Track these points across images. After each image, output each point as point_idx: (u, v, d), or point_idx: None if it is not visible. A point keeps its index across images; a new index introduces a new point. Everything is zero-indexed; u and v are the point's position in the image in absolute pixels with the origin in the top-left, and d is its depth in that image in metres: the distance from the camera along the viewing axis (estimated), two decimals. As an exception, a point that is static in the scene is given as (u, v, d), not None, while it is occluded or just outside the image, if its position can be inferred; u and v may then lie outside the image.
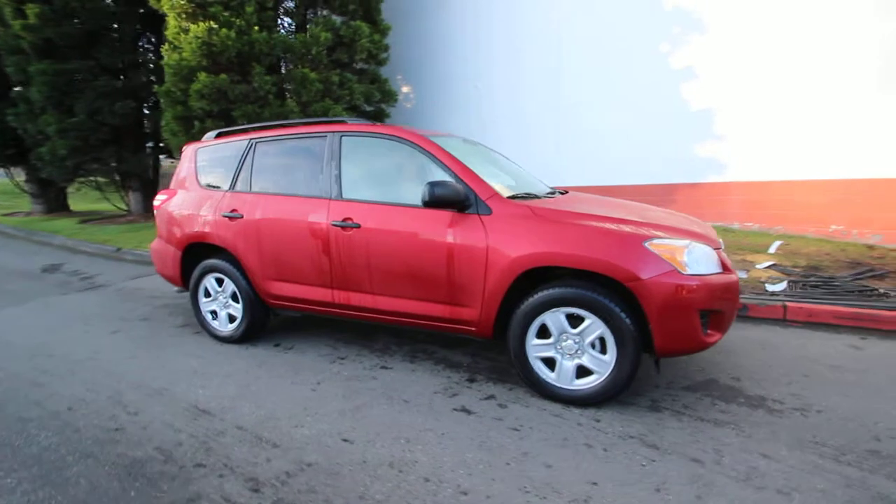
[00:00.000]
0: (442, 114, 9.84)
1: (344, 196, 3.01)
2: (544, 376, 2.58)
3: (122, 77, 9.42)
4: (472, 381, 2.89)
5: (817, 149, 5.83)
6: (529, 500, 1.84)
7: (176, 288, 4.04)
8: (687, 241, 2.36)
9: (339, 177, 3.04)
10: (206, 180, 3.61)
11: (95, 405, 2.69)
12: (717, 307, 2.34)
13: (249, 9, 6.86)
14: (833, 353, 3.16)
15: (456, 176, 2.72)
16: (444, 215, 2.70)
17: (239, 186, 3.42)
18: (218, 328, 3.62)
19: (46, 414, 2.60)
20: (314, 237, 3.04)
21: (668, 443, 2.20)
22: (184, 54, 6.74)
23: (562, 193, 3.31)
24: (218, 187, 3.52)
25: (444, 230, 2.68)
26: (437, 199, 2.57)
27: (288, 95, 7.80)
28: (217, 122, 7.13)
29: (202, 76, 6.56)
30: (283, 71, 8.15)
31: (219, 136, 3.76)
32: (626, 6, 7.17)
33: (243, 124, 6.97)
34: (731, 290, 2.41)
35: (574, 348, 2.49)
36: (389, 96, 8.79)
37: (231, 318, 3.57)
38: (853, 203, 5.67)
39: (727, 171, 6.64)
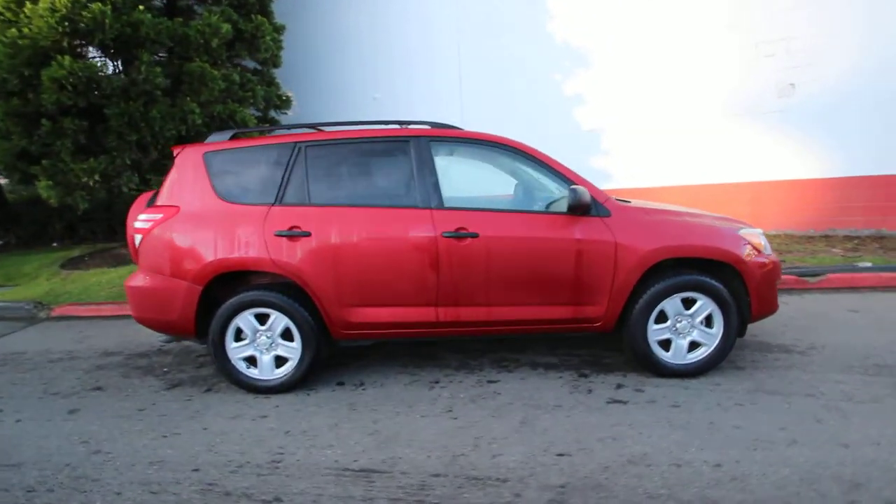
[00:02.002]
0: (335, 124, 9.37)
1: (446, 205, 2.80)
2: (661, 356, 2.90)
3: None
4: (584, 376, 3.02)
5: (679, 162, 7.62)
6: (764, 454, 2.12)
7: (163, 338, 3.05)
8: (759, 229, 3.00)
9: (437, 185, 2.82)
10: (230, 192, 2.84)
11: (198, 506, 1.92)
12: (779, 279, 3.03)
13: (124, -18, 5.46)
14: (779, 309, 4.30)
15: (572, 182, 2.84)
16: (566, 219, 2.79)
17: (290, 199, 2.82)
18: (258, 377, 2.89)
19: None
20: (418, 251, 2.74)
21: (779, 388, 2.75)
22: (27, 30, 4.96)
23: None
24: (253, 201, 2.83)
25: (569, 234, 2.77)
26: (580, 205, 2.66)
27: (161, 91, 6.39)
28: (79, 121, 5.43)
29: (66, 60, 4.93)
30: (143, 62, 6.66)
31: (233, 138, 3.01)
32: (524, 35, 8.10)
33: (120, 125, 5.50)
34: (779, 266, 3.15)
35: (687, 328, 2.88)
36: (286, 102, 8.01)
37: (279, 362, 2.89)
38: (704, 202, 7.58)
39: (614, 181, 8.08)
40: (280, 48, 7.47)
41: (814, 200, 6.91)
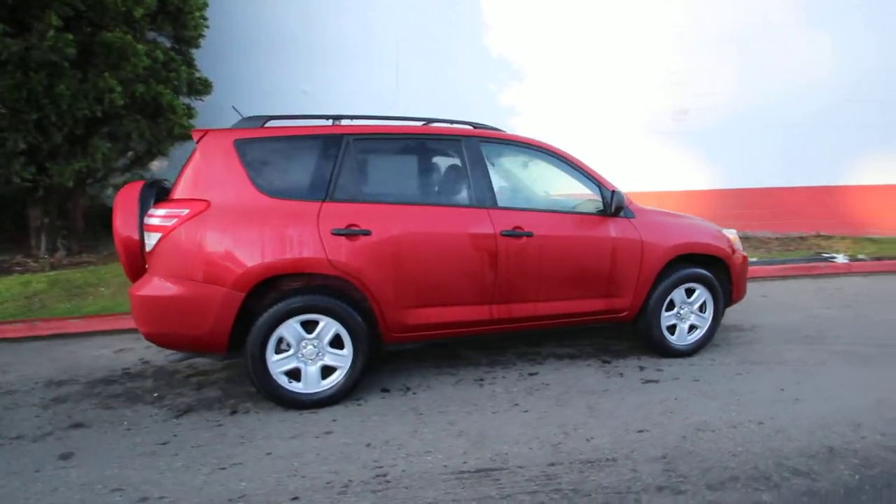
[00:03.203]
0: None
1: (499, 204, 2.87)
2: (669, 339, 3.34)
3: None
4: (606, 362, 3.33)
5: (601, 172, 8.56)
6: (785, 410, 2.61)
7: (175, 356, 2.57)
8: (734, 230, 3.62)
9: (490, 185, 2.87)
10: (273, 186, 2.53)
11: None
12: (747, 270, 3.70)
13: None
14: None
15: (604, 186, 3.13)
16: (602, 220, 3.08)
17: (341, 194, 2.61)
18: (303, 391, 2.62)
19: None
20: (477, 250, 2.77)
21: (757, 359, 3.36)
22: None
23: None
24: (301, 196, 2.56)
25: (606, 233, 3.06)
26: (620, 206, 2.96)
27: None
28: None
29: (-57, 12, 3.79)
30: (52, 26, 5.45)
31: (264, 125, 2.68)
32: (460, 43, 8.37)
33: (15, 100, 4.43)
34: (743, 261, 3.82)
35: (688, 314, 3.37)
36: (206, 87, 7.13)
37: (326, 372, 2.66)
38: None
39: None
40: (206, 26, 6.65)
41: (704, 208, 8.32)
